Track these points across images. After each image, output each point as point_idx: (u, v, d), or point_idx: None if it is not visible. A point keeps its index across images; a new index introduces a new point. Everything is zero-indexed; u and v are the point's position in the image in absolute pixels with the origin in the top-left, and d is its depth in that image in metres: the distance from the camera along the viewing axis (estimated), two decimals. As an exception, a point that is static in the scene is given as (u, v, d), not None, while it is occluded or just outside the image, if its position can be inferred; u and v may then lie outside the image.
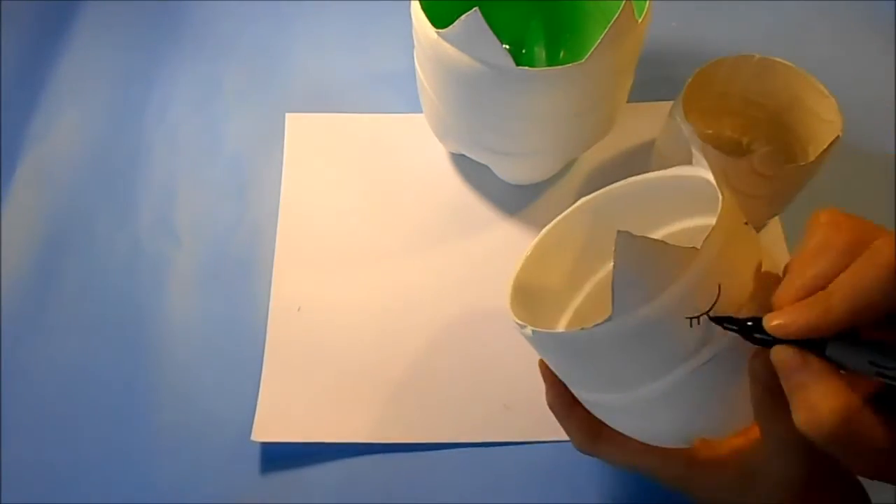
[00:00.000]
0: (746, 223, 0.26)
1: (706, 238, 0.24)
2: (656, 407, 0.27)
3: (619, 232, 0.23)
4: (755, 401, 0.25)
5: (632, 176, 0.33)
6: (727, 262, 0.24)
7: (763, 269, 0.25)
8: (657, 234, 0.35)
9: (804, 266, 0.23)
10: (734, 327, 0.24)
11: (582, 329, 0.25)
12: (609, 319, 0.24)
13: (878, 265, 0.21)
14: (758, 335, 0.23)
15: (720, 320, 0.24)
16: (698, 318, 0.24)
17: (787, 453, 0.25)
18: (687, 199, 0.31)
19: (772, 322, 0.23)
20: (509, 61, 0.33)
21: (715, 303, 0.24)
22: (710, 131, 0.42)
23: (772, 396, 0.24)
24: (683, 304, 0.24)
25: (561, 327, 0.34)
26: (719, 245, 0.24)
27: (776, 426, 0.25)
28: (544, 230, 0.33)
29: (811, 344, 0.22)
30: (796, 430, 0.22)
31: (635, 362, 0.26)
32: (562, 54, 0.45)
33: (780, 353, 0.22)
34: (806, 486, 0.26)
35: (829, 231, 0.23)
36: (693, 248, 0.23)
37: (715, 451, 0.29)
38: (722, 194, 0.25)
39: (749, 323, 0.23)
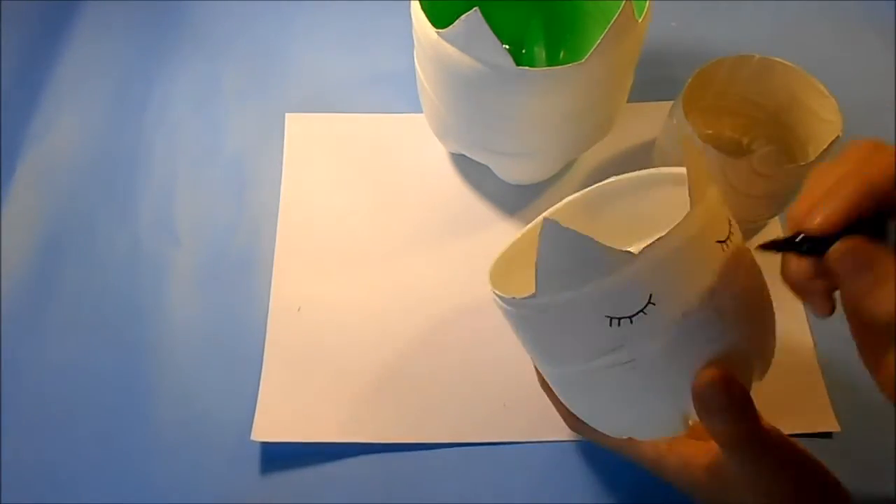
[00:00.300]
0: (723, 241, 0.24)
1: (645, 247, 0.23)
2: (579, 388, 0.28)
3: (545, 218, 0.23)
4: (705, 419, 0.25)
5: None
6: (669, 275, 0.24)
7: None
8: (651, 237, 0.35)
9: (826, 169, 0.23)
10: (784, 246, 0.23)
11: (513, 297, 0.26)
12: (533, 296, 0.25)
13: None
14: (807, 246, 0.23)
15: (767, 247, 0.24)
16: (619, 320, 0.24)
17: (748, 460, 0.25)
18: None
19: (817, 217, 0.22)
20: (509, 61, 0.33)
21: (640, 311, 0.24)
22: (710, 131, 0.42)
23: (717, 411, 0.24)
24: (604, 302, 0.24)
25: None
26: (661, 257, 0.23)
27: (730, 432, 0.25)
28: (535, 220, 0.33)
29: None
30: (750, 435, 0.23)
31: (561, 341, 0.26)
32: (562, 54, 0.45)
33: (843, 246, 0.22)
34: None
35: (858, 145, 0.23)
36: (628, 251, 0.23)
37: (680, 447, 0.29)
38: (693, 207, 0.24)
39: (797, 239, 0.23)
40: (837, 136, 0.35)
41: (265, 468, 0.36)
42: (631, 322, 0.24)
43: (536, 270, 0.24)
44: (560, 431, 0.36)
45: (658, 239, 0.23)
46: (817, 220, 0.22)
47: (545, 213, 0.33)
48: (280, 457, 0.36)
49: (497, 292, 0.28)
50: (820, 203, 0.22)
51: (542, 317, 0.26)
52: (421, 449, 0.36)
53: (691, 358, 0.25)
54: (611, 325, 0.24)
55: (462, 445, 0.36)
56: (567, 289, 0.24)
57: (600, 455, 0.36)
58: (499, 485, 0.35)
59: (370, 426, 0.37)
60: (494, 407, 0.37)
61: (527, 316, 0.27)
